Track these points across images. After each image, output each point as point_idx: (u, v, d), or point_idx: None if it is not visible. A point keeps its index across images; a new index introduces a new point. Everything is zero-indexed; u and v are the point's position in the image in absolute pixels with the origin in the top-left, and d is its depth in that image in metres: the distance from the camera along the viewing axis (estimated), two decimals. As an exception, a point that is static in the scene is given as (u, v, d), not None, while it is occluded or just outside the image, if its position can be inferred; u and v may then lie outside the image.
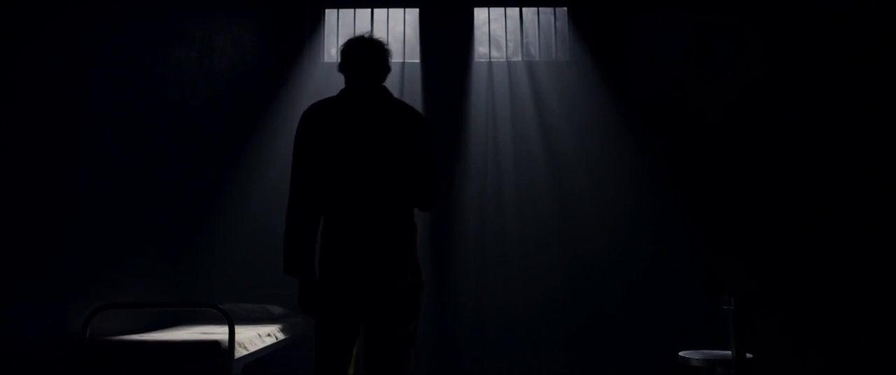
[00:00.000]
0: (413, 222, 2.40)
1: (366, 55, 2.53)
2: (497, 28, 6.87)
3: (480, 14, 6.83)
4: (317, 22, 6.70)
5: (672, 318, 5.43)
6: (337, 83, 6.60)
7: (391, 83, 6.57)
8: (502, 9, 6.84)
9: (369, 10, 6.82)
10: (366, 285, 2.26)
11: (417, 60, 6.67)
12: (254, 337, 3.62)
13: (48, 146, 2.98)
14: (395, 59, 6.70)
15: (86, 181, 3.22)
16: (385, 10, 6.83)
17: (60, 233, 3.08)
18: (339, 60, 2.63)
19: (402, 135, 2.41)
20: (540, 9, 6.84)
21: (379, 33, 6.70)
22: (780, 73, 4.07)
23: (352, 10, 6.84)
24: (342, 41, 6.58)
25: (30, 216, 2.87)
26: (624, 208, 6.21)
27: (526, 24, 6.83)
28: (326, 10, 6.79)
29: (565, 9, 6.78)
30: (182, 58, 4.30)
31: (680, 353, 3.39)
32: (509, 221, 6.30)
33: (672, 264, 5.71)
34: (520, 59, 6.72)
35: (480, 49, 6.76)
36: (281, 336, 4.07)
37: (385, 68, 2.63)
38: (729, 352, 3.16)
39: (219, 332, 3.45)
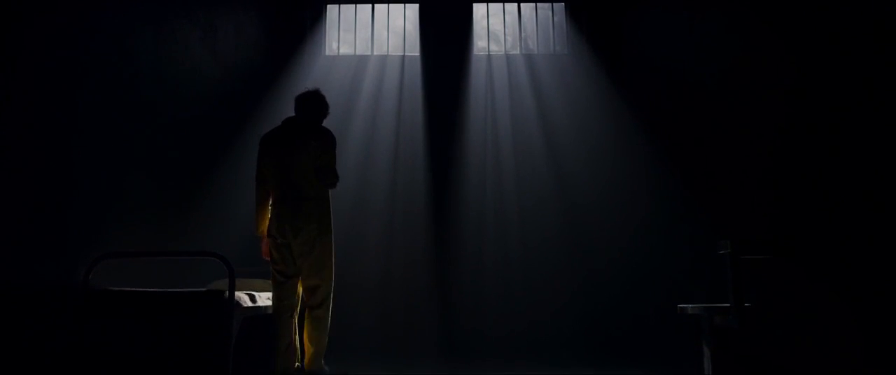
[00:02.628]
0: (325, 196, 3.69)
1: (304, 103, 3.87)
2: (495, 22, 6.99)
3: (479, 9, 6.95)
4: (318, 16, 6.82)
5: (674, 277, 5.43)
6: (337, 75, 6.75)
7: (392, 76, 6.72)
8: (501, 4, 6.97)
9: (370, 5, 6.94)
10: (296, 236, 3.55)
11: (417, 54, 6.76)
12: (255, 296, 3.64)
13: (55, 106, 3.04)
14: (396, 52, 6.82)
15: (91, 141, 3.27)
16: (386, 5, 6.95)
17: (65, 189, 3.12)
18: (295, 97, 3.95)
19: (315, 146, 3.68)
20: (538, 4, 6.96)
21: (379, 28, 6.88)
22: (772, 53, 4.14)
23: (353, 5, 6.95)
24: (343, 35, 6.81)
25: (36, 171, 2.91)
26: (622, 186, 6.29)
27: (524, 18, 6.95)
28: (328, 6, 6.91)
29: (563, 4, 6.91)
30: (185, 32, 4.38)
31: (679, 305, 3.40)
32: (509, 206, 6.33)
33: (675, 232, 5.74)
34: (518, 52, 6.83)
35: (479, 43, 6.87)
36: (281, 303, 4.07)
37: (318, 109, 3.91)
38: (728, 304, 3.17)
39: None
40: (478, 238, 6.25)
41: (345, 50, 6.85)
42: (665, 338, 5.75)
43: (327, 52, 6.80)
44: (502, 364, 4.91)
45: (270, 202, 3.68)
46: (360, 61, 6.74)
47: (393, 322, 6.02)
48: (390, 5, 6.96)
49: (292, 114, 6.40)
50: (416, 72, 6.72)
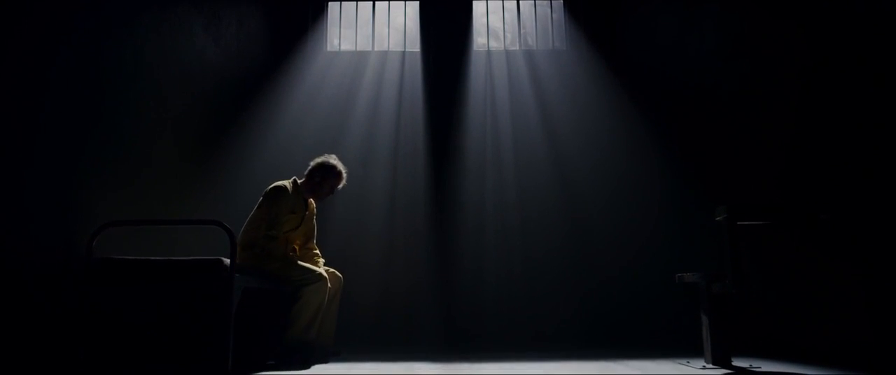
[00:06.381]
0: (250, 242, 3.84)
1: None
2: (495, 19, 7.07)
3: (479, 6, 7.05)
4: (319, 13, 6.92)
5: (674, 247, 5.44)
6: (337, 72, 6.83)
7: (392, 73, 6.79)
8: (500, 1, 7.07)
9: (371, 2, 7.03)
10: None
11: (418, 50, 6.84)
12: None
13: (59, 79, 3.09)
14: (397, 48, 6.91)
15: (93, 114, 3.31)
16: (386, 2, 7.05)
17: (70, 160, 3.16)
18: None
19: None
20: (537, 1, 7.06)
21: (380, 24, 6.96)
22: (771, 41, 4.21)
23: (354, 2, 7.05)
24: (344, 32, 6.90)
25: (41, 141, 2.94)
26: (625, 179, 6.35)
27: (523, 15, 7.04)
28: (329, 3, 7.00)
29: (561, 1, 7.00)
30: (190, 18, 4.45)
31: (677, 274, 3.43)
32: (509, 199, 6.37)
33: (678, 225, 5.77)
34: (518, 48, 6.91)
35: (479, 39, 6.95)
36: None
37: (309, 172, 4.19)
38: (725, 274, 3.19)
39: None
40: (479, 231, 6.28)
41: (346, 46, 6.93)
42: (674, 331, 5.76)
43: (328, 49, 6.88)
44: (503, 359, 4.92)
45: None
46: (361, 57, 6.82)
47: (392, 322, 6.02)
48: (391, 2, 7.05)
49: (290, 110, 6.51)
50: (416, 68, 6.79)
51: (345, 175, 4.19)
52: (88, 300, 3.11)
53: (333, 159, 4.17)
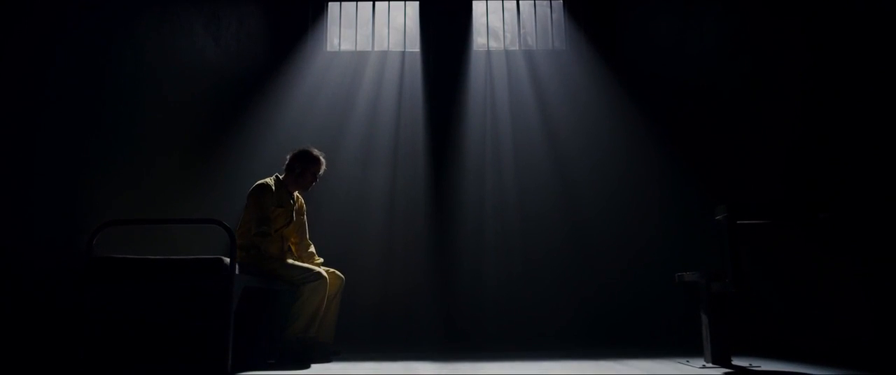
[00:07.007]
0: (244, 244, 3.84)
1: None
2: (495, 19, 7.08)
3: (479, 6, 7.05)
4: (319, 13, 6.92)
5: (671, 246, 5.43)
6: (336, 71, 6.81)
7: (392, 72, 6.79)
8: (500, 1, 7.07)
9: (371, 2, 7.03)
10: None
11: (418, 50, 6.84)
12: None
13: (60, 77, 3.09)
14: (397, 48, 6.91)
15: (97, 113, 3.31)
16: (386, 2, 7.05)
17: (69, 157, 3.16)
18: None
19: None
20: (536, 1, 7.07)
21: (380, 24, 6.97)
22: (771, 39, 4.21)
23: (354, 2, 7.05)
24: (344, 32, 6.90)
25: (41, 138, 2.95)
26: (625, 178, 6.36)
27: (523, 15, 7.05)
28: (329, 3, 7.01)
29: (561, 1, 7.01)
30: (190, 17, 4.45)
31: (677, 274, 3.43)
32: (508, 197, 6.37)
33: (678, 223, 5.77)
34: (517, 48, 6.91)
35: (479, 39, 6.95)
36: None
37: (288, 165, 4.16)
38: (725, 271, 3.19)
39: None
40: (478, 232, 6.28)
41: (346, 46, 6.93)
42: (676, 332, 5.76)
43: (328, 49, 6.88)
44: (503, 359, 4.92)
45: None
46: (361, 57, 6.82)
47: (392, 322, 6.01)
48: (391, 2, 7.05)
49: (290, 110, 6.51)
50: (416, 68, 6.79)
51: (323, 159, 4.20)
52: (88, 299, 3.11)
53: (308, 147, 4.20)
